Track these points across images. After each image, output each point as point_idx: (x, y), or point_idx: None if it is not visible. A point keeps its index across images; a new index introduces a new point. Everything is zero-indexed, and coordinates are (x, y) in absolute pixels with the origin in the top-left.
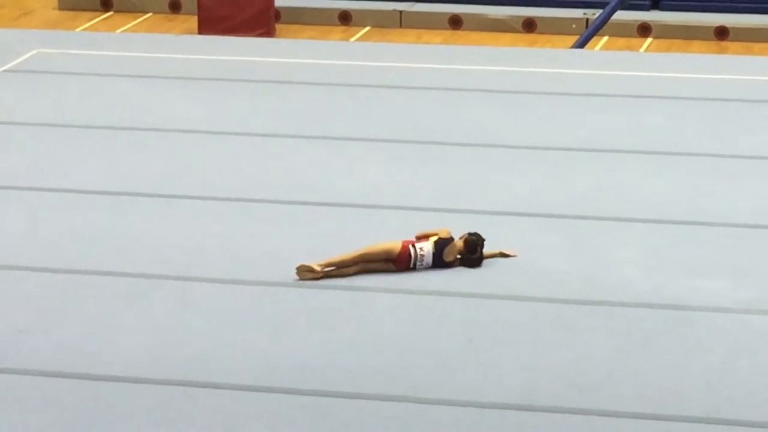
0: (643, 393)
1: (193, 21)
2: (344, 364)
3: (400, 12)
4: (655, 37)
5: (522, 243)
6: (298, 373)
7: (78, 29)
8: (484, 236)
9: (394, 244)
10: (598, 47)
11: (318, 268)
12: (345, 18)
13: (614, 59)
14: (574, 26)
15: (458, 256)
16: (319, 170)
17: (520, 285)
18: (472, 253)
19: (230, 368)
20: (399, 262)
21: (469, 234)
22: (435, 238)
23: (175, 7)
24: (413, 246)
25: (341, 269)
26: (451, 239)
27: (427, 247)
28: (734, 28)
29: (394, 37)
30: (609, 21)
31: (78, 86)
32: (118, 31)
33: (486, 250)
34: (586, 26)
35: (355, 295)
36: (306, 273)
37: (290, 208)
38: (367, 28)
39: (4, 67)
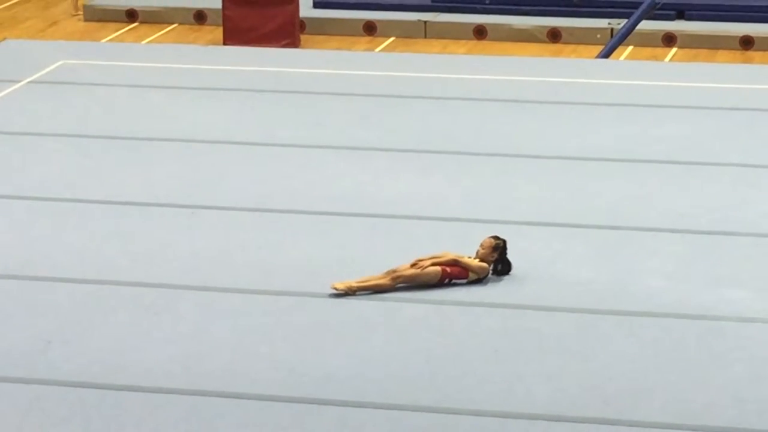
0: (670, 403)
1: (219, 32)
2: (371, 374)
3: (425, 22)
4: (680, 47)
5: (548, 253)
6: (324, 383)
7: (103, 40)
8: (509, 244)
9: (433, 275)
10: (623, 57)
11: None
12: (370, 28)
13: (639, 69)
14: (599, 36)
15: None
16: (345, 180)
17: (547, 295)
18: (502, 257)
19: (257, 379)
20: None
21: (495, 239)
22: (474, 276)
23: (200, 18)
24: (449, 278)
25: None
26: (487, 275)
27: (462, 280)
28: (759, 38)
29: (419, 47)
30: (634, 31)
31: (103, 97)
32: (144, 42)
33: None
34: (611, 36)
35: (382, 306)
36: (340, 286)
37: (317, 218)
38: (392, 39)
39: (31, 78)
